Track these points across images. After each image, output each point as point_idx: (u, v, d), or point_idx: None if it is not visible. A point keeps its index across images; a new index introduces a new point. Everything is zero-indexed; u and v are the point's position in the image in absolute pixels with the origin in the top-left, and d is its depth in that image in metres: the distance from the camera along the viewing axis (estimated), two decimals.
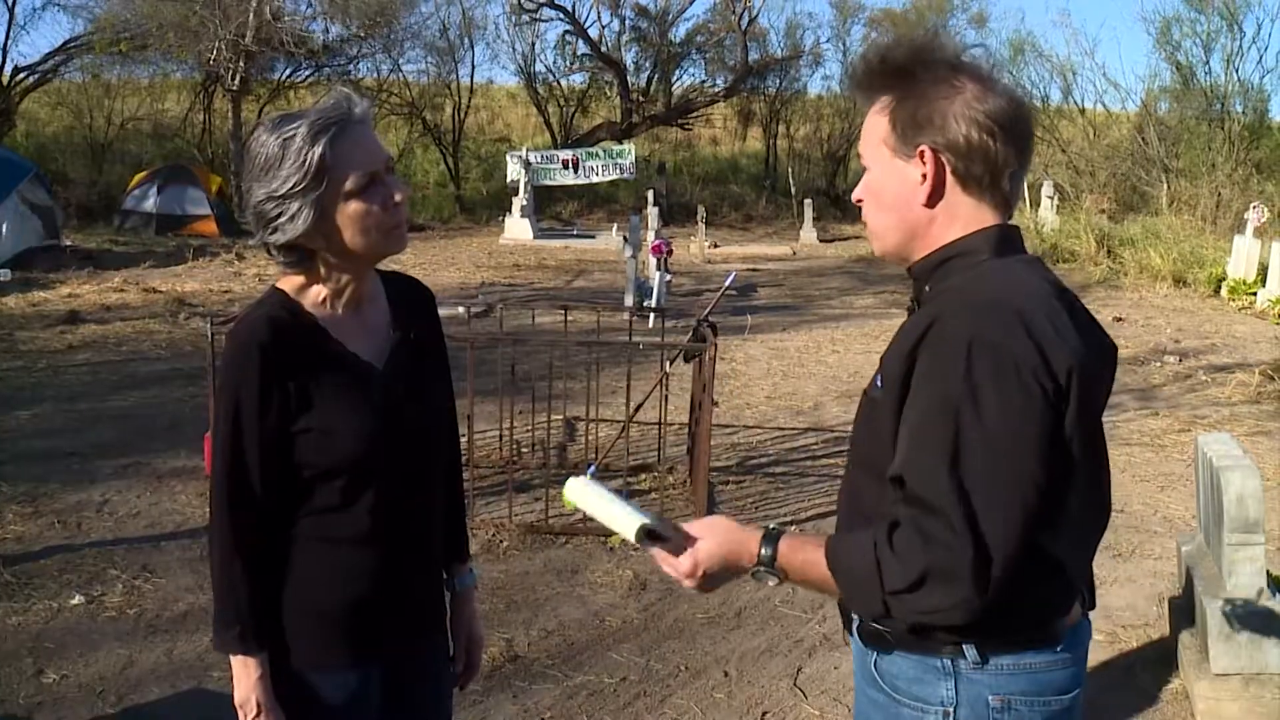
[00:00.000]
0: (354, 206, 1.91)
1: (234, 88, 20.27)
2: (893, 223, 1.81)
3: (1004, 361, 1.59)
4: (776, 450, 7.16)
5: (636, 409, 5.95)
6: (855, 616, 1.83)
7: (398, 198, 1.95)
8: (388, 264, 2.14)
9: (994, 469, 1.58)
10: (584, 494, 1.81)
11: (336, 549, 2.02)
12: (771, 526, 1.77)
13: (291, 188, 1.88)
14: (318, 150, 1.87)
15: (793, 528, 5.68)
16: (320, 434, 1.95)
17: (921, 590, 1.58)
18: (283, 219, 1.91)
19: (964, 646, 1.69)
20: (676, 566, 1.75)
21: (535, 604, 4.76)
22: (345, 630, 2.05)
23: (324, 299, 2.01)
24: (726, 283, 6.14)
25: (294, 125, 1.89)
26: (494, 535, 5.40)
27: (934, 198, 1.76)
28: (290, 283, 2.02)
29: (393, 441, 2.03)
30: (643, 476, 6.30)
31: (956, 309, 1.66)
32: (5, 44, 22.12)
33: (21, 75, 22.45)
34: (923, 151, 1.73)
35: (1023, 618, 1.69)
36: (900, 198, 1.78)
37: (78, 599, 4.61)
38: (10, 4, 21.94)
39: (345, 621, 2.04)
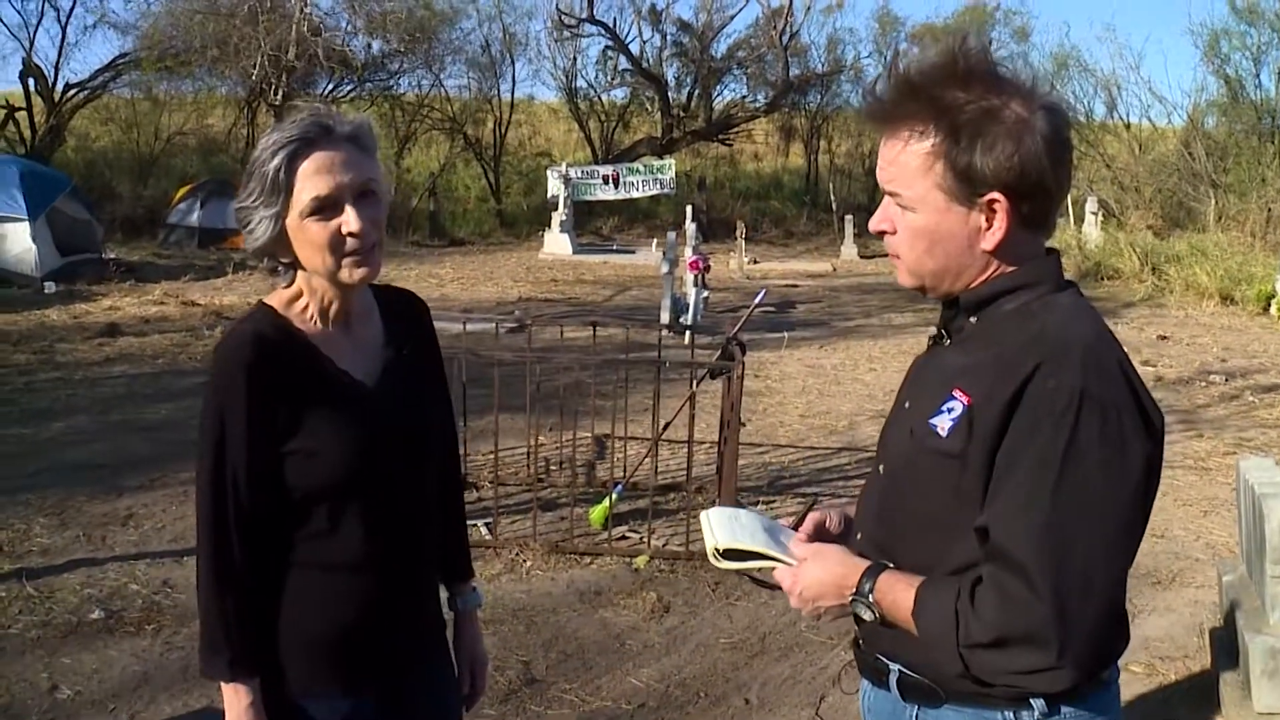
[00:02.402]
0: (309, 227, 1.86)
1: (276, 103, 20.44)
2: (941, 265, 1.68)
3: (1111, 420, 1.53)
4: (809, 470, 7.05)
5: (664, 427, 5.87)
6: (895, 668, 1.73)
7: (351, 227, 1.86)
8: (416, 281, 2.08)
9: (1091, 532, 1.52)
10: (720, 523, 1.83)
11: (327, 573, 1.96)
12: (880, 561, 1.70)
13: (254, 200, 1.87)
14: (274, 164, 1.84)
15: None
16: (305, 455, 1.90)
17: (1003, 651, 1.53)
18: (249, 227, 1.89)
19: (1031, 700, 1.62)
20: (780, 580, 1.78)
21: (556, 625, 4.68)
22: (337, 656, 1.99)
23: (311, 315, 1.96)
24: (756, 300, 6.06)
25: (274, 135, 1.87)
26: (518, 554, 5.33)
27: (1000, 244, 1.64)
28: (278, 298, 1.97)
29: (383, 461, 1.97)
30: (671, 496, 6.21)
31: (1060, 357, 1.56)
32: (58, 62, 22.66)
33: (72, 92, 22.83)
34: (993, 201, 1.61)
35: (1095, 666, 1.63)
36: (958, 245, 1.66)
37: (97, 613, 4.59)
38: (63, 23, 22.45)
39: (337, 647, 1.98)
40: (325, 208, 1.84)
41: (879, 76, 1.70)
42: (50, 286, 13.30)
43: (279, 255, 1.92)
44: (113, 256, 15.57)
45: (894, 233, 1.71)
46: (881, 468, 1.82)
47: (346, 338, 1.99)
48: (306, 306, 1.96)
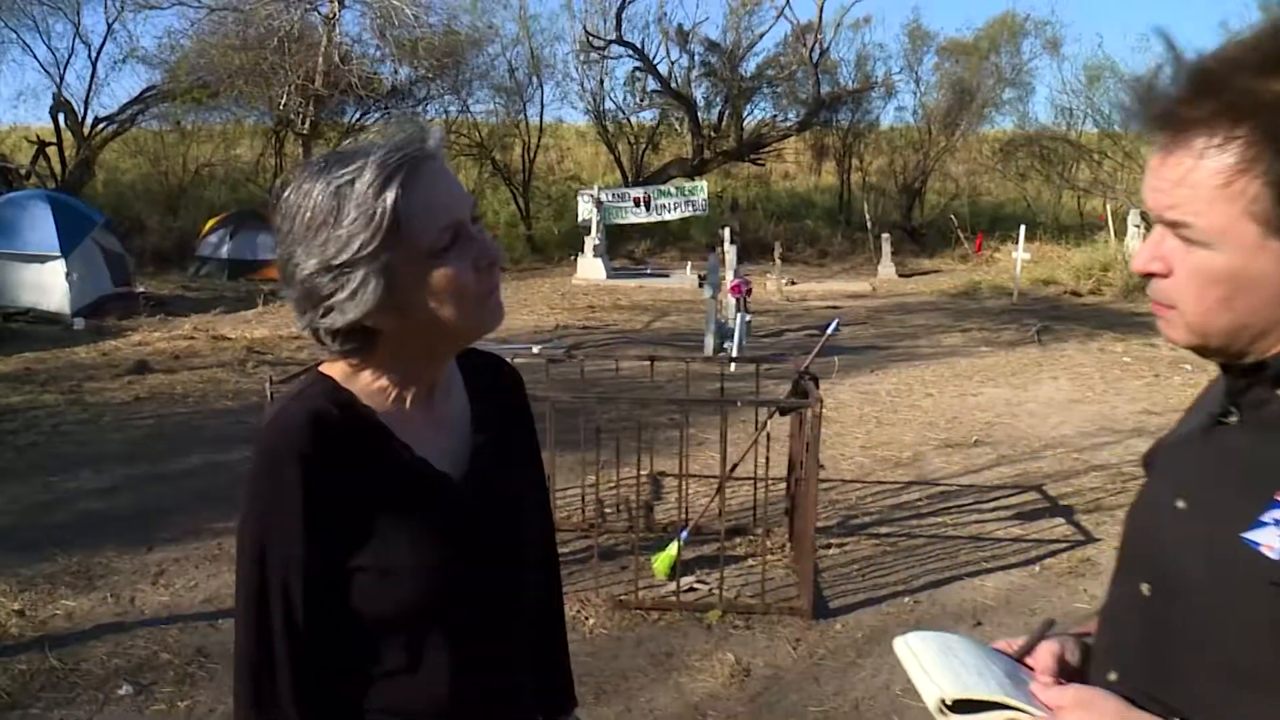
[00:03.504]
0: (439, 272, 1.41)
1: (304, 131, 20.22)
2: (1239, 320, 1.23)
3: None
4: (879, 508, 6.60)
5: (732, 469, 5.44)
6: None
7: (493, 256, 1.46)
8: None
9: None
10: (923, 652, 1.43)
11: None
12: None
13: (356, 252, 1.38)
14: (389, 197, 1.37)
15: (906, 599, 5.14)
16: (378, 573, 1.45)
17: None
18: (342, 295, 1.40)
19: None
20: None
21: (627, 694, 4.25)
22: None
23: (385, 389, 1.52)
24: (829, 331, 5.62)
25: (352, 166, 1.39)
26: (579, 611, 4.91)
27: None
28: (340, 367, 1.53)
29: (474, 576, 1.53)
30: (738, 540, 5.79)
31: None
32: (87, 96, 22.63)
33: (101, 125, 22.76)
34: None
35: None
36: (1269, 293, 1.21)
37: (125, 689, 4.20)
38: (93, 59, 22.47)
39: None
40: (455, 240, 1.42)
41: (1159, 66, 1.25)
42: (79, 323, 13.05)
43: (377, 324, 1.44)
44: (143, 290, 15.29)
45: (1168, 274, 1.26)
46: (1145, 586, 1.34)
47: (427, 417, 1.55)
48: (379, 379, 1.52)
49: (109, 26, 22.42)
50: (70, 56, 22.63)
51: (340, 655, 1.48)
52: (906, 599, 5.15)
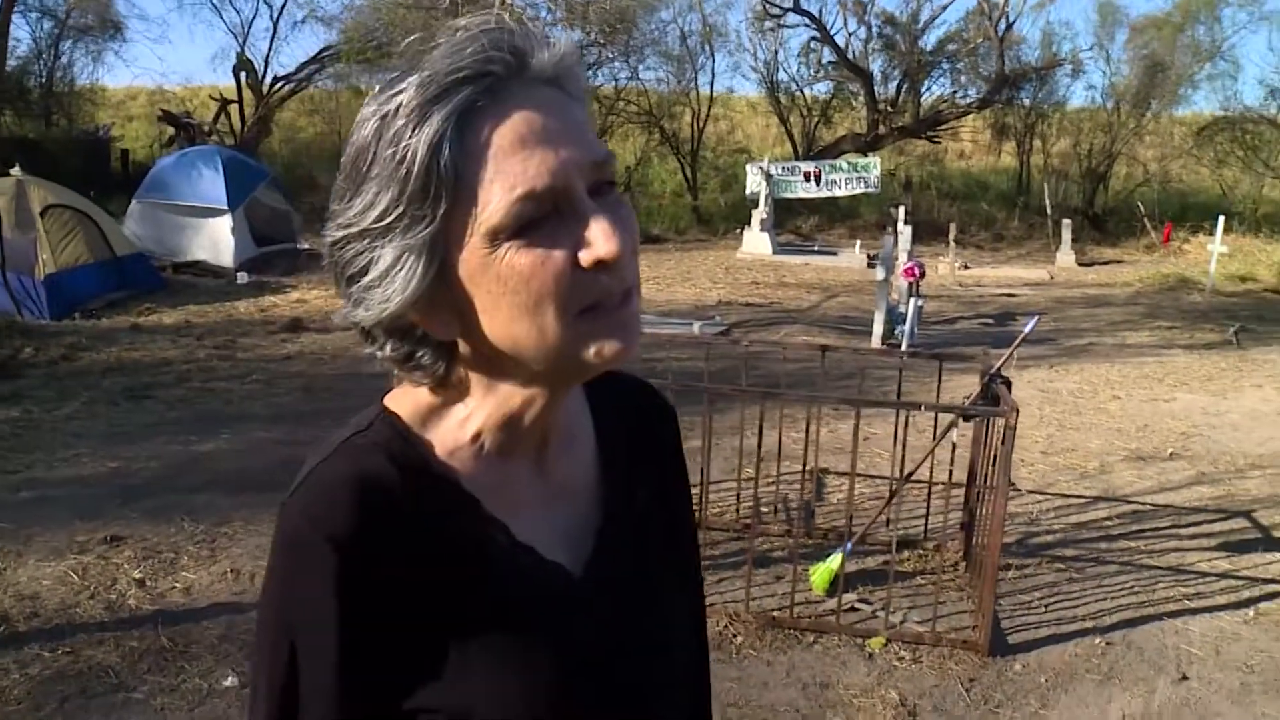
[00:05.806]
0: (505, 263, 0.89)
1: None
2: None
3: None
4: (1062, 525, 5.91)
5: (908, 476, 4.88)
6: None
7: (604, 249, 0.89)
8: None
9: None
10: None
11: None
12: None
13: (379, 218, 0.89)
14: (424, 137, 0.86)
15: (1096, 639, 4.50)
16: (452, 718, 0.97)
17: None
18: (366, 278, 0.92)
19: None
20: None
21: None
22: None
23: (476, 436, 1.01)
24: (1026, 330, 4.97)
25: (402, 84, 0.89)
26: (726, 627, 4.43)
27: None
28: (410, 402, 1.02)
29: (599, 710, 1.03)
30: (905, 554, 5.21)
31: None
32: (268, 56, 23.44)
33: (279, 84, 23.36)
34: None
35: None
36: None
37: (230, 680, 3.89)
38: (274, 18, 23.16)
39: None
40: (547, 216, 0.89)
41: None
42: (243, 277, 13.23)
43: (438, 332, 0.96)
44: (306, 247, 15.42)
45: None
46: None
47: (534, 480, 1.04)
48: (468, 418, 1.01)
49: None
50: (254, 17, 23.47)
51: None
52: (1097, 639, 4.50)
